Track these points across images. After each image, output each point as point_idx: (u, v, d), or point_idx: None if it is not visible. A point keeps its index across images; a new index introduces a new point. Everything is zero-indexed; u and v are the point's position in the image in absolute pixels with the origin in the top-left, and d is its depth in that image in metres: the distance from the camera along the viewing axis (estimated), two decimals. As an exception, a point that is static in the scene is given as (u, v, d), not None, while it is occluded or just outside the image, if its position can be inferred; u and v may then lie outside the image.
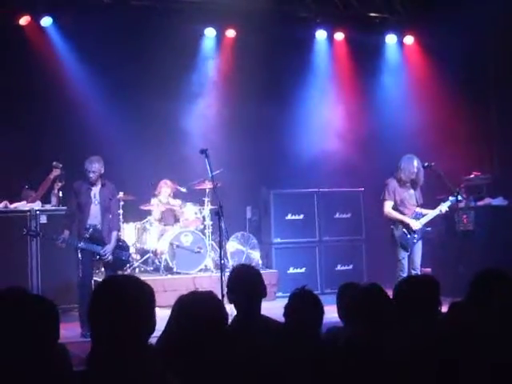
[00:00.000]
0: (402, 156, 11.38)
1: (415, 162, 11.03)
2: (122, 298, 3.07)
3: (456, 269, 10.53)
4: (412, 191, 11.24)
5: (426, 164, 11.02)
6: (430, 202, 11.61)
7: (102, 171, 10.59)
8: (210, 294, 4.35)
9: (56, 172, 12.63)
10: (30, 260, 12.11)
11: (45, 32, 14.19)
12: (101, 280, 3.87)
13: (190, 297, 4.28)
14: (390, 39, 16.19)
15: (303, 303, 5.04)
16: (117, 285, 3.20)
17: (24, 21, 13.74)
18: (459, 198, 11.14)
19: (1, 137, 13.27)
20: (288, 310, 5.10)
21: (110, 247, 10.55)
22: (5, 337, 3.73)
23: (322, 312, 5.06)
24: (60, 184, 12.70)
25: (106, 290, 3.18)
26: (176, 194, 14.37)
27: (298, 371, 3.40)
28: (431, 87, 14.98)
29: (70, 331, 9.31)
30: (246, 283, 5.39)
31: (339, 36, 15.82)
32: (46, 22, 14.02)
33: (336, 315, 5.62)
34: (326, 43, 16.11)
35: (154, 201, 14.07)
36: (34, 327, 3.76)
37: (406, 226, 11.05)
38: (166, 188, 14.16)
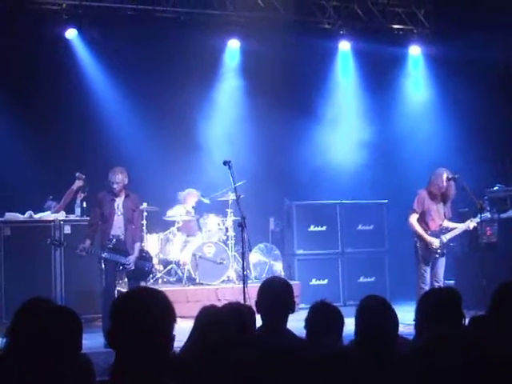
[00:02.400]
0: (427, 167, 11.41)
1: (444, 176, 11.00)
2: (140, 312, 3.08)
3: (479, 281, 10.45)
4: (441, 205, 11.21)
5: (449, 176, 10.98)
6: (453, 215, 11.57)
7: (126, 182, 10.63)
8: (238, 305, 4.36)
9: (79, 183, 12.73)
10: (53, 269, 12.18)
11: (69, 44, 14.31)
12: (123, 291, 3.87)
13: (213, 308, 4.30)
14: (413, 51, 16.18)
15: (323, 315, 5.03)
16: (135, 299, 3.21)
17: (49, 33, 13.86)
18: (486, 214, 11.10)
19: (25, 148, 13.40)
20: (308, 322, 5.09)
21: (133, 257, 10.58)
22: (29, 346, 3.75)
23: (342, 323, 5.05)
24: (83, 195, 12.78)
25: (125, 304, 3.19)
26: (198, 205, 14.39)
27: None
28: (454, 99, 14.92)
29: (94, 341, 9.33)
30: (273, 295, 5.36)
31: (362, 47, 15.80)
32: (71, 34, 14.14)
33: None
34: (349, 54, 16.12)
35: (178, 208, 14.07)
36: (57, 337, 3.78)
37: (426, 242, 11.05)
38: (190, 198, 14.18)
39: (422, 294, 5.43)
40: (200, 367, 3.99)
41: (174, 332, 3.16)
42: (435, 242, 11.00)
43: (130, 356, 3.02)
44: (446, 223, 11.23)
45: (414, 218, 11.17)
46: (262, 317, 5.30)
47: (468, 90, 14.11)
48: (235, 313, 4.35)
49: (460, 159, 13.36)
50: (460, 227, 11.22)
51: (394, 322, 4.98)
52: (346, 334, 5.21)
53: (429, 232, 11.08)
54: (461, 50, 14.34)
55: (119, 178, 10.51)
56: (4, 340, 4.12)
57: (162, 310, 3.11)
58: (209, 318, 4.26)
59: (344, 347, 4.88)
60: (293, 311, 5.38)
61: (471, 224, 11.13)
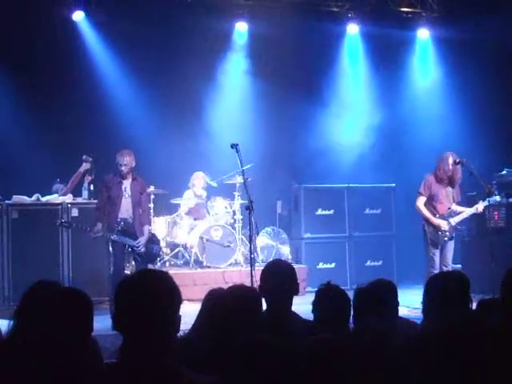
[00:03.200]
0: (435, 151, 11.39)
1: (450, 160, 10.95)
2: (146, 294, 3.07)
3: (487, 266, 10.43)
4: (449, 188, 11.16)
5: (457, 160, 10.93)
6: (461, 199, 11.54)
7: (133, 165, 10.64)
8: (242, 288, 4.36)
9: (86, 166, 12.72)
10: (61, 252, 12.19)
11: (77, 26, 14.31)
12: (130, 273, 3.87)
13: (221, 291, 4.30)
14: (422, 34, 16.12)
15: (330, 298, 5.03)
16: (140, 281, 3.21)
17: (57, 15, 13.85)
18: (496, 198, 11.09)
19: (31, 131, 13.41)
20: (315, 306, 5.08)
21: (143, 239, 10.61)
22: (36, 329, 3.76)
23: (349, 306, 5.05)
24: (90, 177, 12.77)
25: (130, 286, 3.19)
26: (206, 188, 14.38)
27: (323, 367, 3.38)
28: (464, 82, 14.86)
29: (101, 324, 9.33)
30: (276, 279, 5.36)
31: (370, 30, 15.73)
32: (78, 16, 14.13)
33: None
34: (357, 37, 16.06)
35: (187, 193, 14.08)
36: (67, 320, 3.79)
37: (435, 225, 11.03)
38: (199, 180, 14.16)
39: (430, 277, 5.42)
40: (207, 350, 4.00)
41: (182, 315, 3.16)
42: (443, 225, 10.98)
43: (137, 338, 3.02)
44: (455, 207, 11.20)
45: (421, 202, 11.14)
46: (266, 300, 5.29)
47: (477, 73, 14.07)
48: (242, 296, 4.34)
49: (469, 143, 13.33)
50: (467, 211, 11.19)
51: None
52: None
53: (437, 215, 11.06)
54: (470, 33, 14.26)
55: (127, 160, 10.52)
56: (11, 322, 4.13)
57: (167, 291, 3.11)
58: (216, 301, 4.26)
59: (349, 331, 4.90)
60: (296, 293, 5.38)
61: (480, 206, 11.09)
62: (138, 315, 3.03)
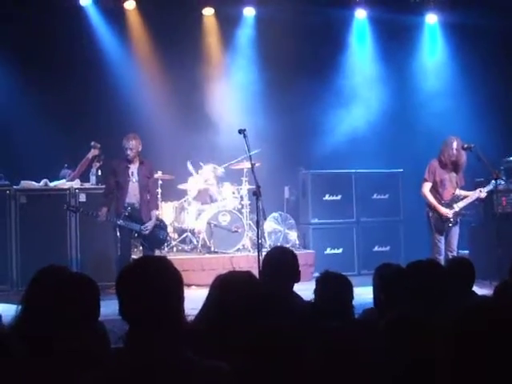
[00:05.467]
0: (443, 136, 11.36)
1: (455, 144, 10.93)
2: (145, 280, 3.08)
3: (494, 251, 10.44)
4: (453, 174, 11.15)
5: (465, 145, 10.92)
6: (468, 184, 11.54)
7: (140, 149, 10.67)
8: (248, 274, 4.37)
9: (95, 152, 12.75)
10: (69, 237, 12.20)
11: (84, 11, 14.31)
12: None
13: (228, 276, 4.30)
14: (430, 19, 16.04)
15: (330, 285, 5.04)
16: (138, 268, 3.22)
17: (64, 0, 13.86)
18: (500, 182, 11.06)
19: (40, 117, 13.41)
20: (315, 294, 5.10)
21: (151, 224, 10.64)
22: (46, 313, 3.78)
23: (350, 290, 5.05)
24: (98, 164, 12.79)
25: (127, 274, 3.20)
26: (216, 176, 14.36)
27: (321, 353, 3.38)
28: (472, 67, 14.82)
29: (109, 308, 9.35)
30: (277, 266, 5.38)
31: (378, 15, 15.66)
32: (85, 1, 14.13)
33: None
34: (365, 22, 16.00)
35: (191, 179, 14.05)
36: (75, 304, 3.80)
37: (439, 212, 11.02)
38: (209, 172, 14.06)
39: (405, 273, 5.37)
40: (215, 336, 4.00)
41: (187, 300, 3.16)
42: (448, 213, 10.97)
43: (141, 325, 3.03)
44: (458, 191, 11.20)
45: (426, 188, 11.15)
46: (267, 285, 5.32)
47: (485, 59, 14.02)
48: (249, 281, 4.35)
49: (477, 128, 13.29)
50: (471, 195, 11.18)
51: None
52: (363, 302, 5.22)
53: (442, 201, 11.06)
54: (478, 19, 14.20)
55: (133, 144, 10.54)
56: (19, 307, 4.14)
57: (167, 277, 3.12)
58: (224, 287, 4.26)
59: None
60: (297, 280, 5.40)
61: (482, 194, 11.08)
62: (139, 303, 3.04)
